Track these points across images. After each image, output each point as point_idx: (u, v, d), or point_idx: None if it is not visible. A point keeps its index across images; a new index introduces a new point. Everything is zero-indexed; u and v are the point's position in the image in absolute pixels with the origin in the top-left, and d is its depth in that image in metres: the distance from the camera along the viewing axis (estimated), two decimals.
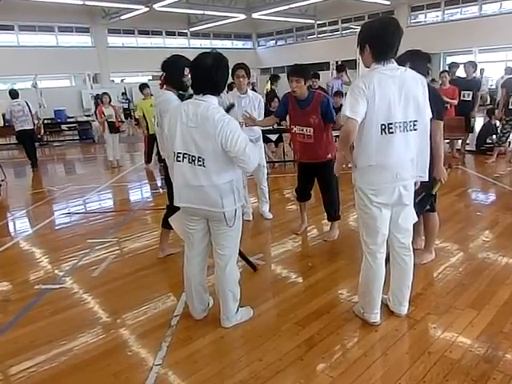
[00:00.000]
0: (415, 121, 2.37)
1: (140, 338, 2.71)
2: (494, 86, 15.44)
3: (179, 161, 2.46)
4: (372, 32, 2.37)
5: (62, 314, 3.05)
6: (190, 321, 2.83)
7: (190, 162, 2.43)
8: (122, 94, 18.35)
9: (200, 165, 2.40)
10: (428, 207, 3.33)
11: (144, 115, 7.88)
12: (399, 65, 2.43)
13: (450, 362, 2.30)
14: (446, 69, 8.37)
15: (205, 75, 2.40)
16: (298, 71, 3.70)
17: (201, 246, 2.68)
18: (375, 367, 2.31)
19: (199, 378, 2.29)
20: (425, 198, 3.20)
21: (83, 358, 2.54)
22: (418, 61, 3.10)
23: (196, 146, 2.39)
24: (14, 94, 9.17)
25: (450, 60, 18.11)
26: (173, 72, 3.33)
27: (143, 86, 8.11)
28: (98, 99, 14.61)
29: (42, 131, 9.68)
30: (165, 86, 3.42)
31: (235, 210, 2.52)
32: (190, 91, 3.37)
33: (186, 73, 3.30)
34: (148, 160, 8.25)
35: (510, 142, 7.09)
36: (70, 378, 2.38)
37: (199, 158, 2.39)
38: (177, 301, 3.12)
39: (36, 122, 9.50)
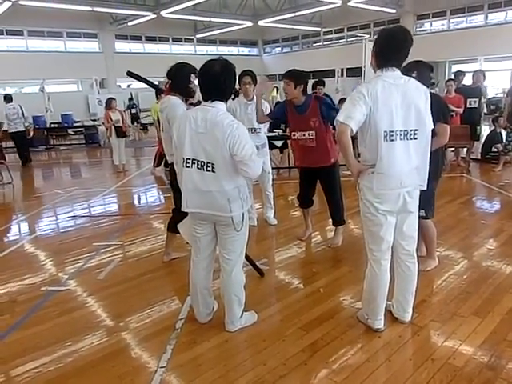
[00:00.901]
0: (416, 130, 2.39)
1: (145, 341, 2.73)
2: (500, 94, 15.45)
3: (188, 166, 2.49)
4: (379, 38, 2.43)
5: (67, 316, 3.08)
6: (194, 324, 2.85)
7: (198, 168, 2.46)
8: (129, 99, 18.55)
9: (209, 170, 2.43)
10: (423, 214, 3.32)
11: (158, 118, 7.92)
12: (405, 74, 2.46)
13: (454, 369, 2.31)
14: (452, 77, 8.38)
15: (213, 82, 2.44)
16: (289, 74, 3.78)
17: (207, 250, 2.71)
18: (378, 373, 2.32)
19: (203, 381, 2.31)
20: None
21: (88, 360, 2.56)
22: (424, 71, 3.14)
23: (205, 152, 2.42)
24: (8, 98, 9.92)
25: (455, 68, 18.20)
26: (179, 79, 3.37)
27: (160, 91, 8.17)
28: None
29: (32, 133, 10.16)
30: (170, 93, 3.46)
31: (242, 214, 2.55)
32: (195, 100, 3.45)
33: (192, 79, 3.35)
34: (158, 164, 8.29)
35: None
36: (75, 379, 2.41)
37: (208, 163, 2.43)
38: (182, 304, 3.14)
39: (27, 124, 10.07)
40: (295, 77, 3.75)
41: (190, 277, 2.78)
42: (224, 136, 2.36)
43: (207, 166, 2.43)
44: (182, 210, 2.62)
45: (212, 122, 2.40)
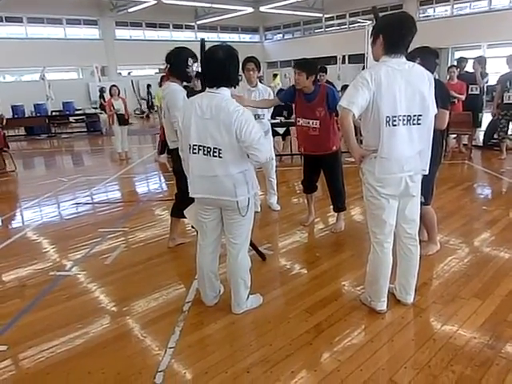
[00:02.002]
0: (420, 115, 2.42)
1: (153, 323, 2.79)
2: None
3: (195, 153, 2.52)
4: (388, 23, 2.43)
5: (76, 300, 3.15)
6: (201, 307, 2.91)
7: (205, 154, 2.48)
8: (148, 86, 18.68)
9: (216, 156, 2.46)
10: (422, 200, 3.35)
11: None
12: (409, 60, 2.48)
13: (455, 349, 2.37)
14: (455, 64, 8.36)
15: (218, 68, 2.45)
16: (301, 65, 3.79)
17: (214, 235, 2.76)
18: (381, 352, 2.38)
19: (211, 361, 2.38)
20: None
21: (99, 341, 2.63)
22: (428, 57, 3.15)
23: (212, 138, 2.44)
24: None
25: (458, 55, 18.02)
26: (178, 63, 3.40)
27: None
28: (103, 92, 14.77)
29: (5, 121, 10.47)
30: (170, 78, 3.48)
31: (248, 200, 2.59)
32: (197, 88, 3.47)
33: (190, 63, 3.38)
34: (162, 151, 8.29)
35: None
36: (87, 358, 2.48)
37: (214, 148, 2.45)
38: (188, 288, 3.21)
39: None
40: (308, 68, 3.76)
41: (197, 261, 2.84)
42: (231, 121, 2.38)
43: (213, 152, 2.46)
44: (190, 195, 2.65)
45: (217, 108, 2.42)
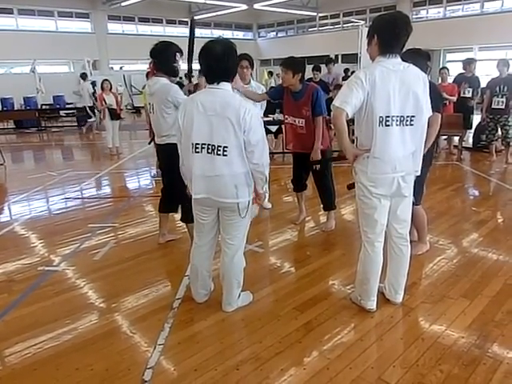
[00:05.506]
0: (413, 116, 2.42)
1: (142, 319, 2.77)
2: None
3: (197, 152, 2.45)
4: (382, 23, 2.43)
5: (65, 295, 3.12)
6: (191, 304, 2.90)
7: (209, 153, 2.43)
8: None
9: (220, 154, 2.40)
10: (412, 200, 3.37)
11: None
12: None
13: (443, 348, 2.39)
14: (446, 66, 8.44)
15: (217, 63, 2.40)
16: (287, 63, 3.81)
17: (210, 235, 2.73)
18: (370, 351, 2.40)
19: (201, 358, 2.37)
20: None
21: (87, 337, 2.60)
22: (419, 59, 3.15)
23: (217, 135, 2.39)
24: None
25: (449, 57, 18.24)
26: (165, 58, 3.36)
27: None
28: (95, 86, 14.59)
29: None
30: (156, 74, 3.45)
31: (248, 201, 2.56)
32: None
33: (177, 58, 3.35)
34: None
35: (509, 143, 7.18)
36: (75, 355, 2.45)
37: (219, 146, 2.40)
38: (178, 285, 3.19)
39: None
40: (294, 66, 3.76)
41: (191, 258, 2.81)
42: (238, 119, 2.34)
43: (218, 150, 2.40)
44: (194, 197, 2.58)
45: (222, 104, 2.37)
